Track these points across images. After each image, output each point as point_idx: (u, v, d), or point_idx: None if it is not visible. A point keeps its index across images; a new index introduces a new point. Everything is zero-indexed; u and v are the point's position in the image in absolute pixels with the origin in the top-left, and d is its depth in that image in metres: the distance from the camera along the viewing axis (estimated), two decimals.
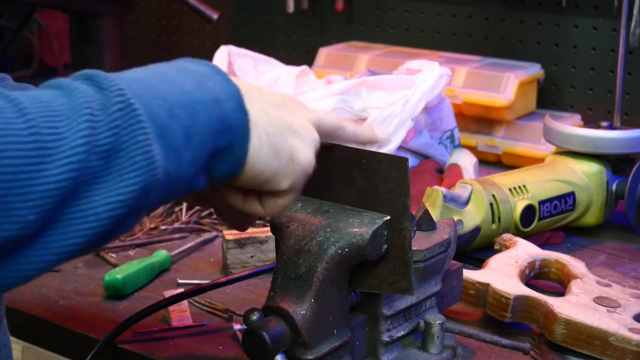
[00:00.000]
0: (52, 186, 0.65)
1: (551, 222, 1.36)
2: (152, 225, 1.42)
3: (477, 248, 1.30)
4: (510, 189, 1.32)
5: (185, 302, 1.15)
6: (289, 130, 0.83)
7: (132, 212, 0.70)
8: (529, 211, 1.32)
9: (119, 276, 1.20)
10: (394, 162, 0.87)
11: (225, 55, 1.65)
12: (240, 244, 1.26)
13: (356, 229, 0.87)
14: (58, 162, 0.65)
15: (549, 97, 1.81)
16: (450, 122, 1.64)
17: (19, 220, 0.64)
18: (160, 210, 1.44)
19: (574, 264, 1.18)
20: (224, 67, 1.63)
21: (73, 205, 0.67)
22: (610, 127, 1.41)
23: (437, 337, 0.97)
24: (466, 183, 1.31)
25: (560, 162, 1.40)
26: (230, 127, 0.77)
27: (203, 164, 0.76)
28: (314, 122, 0.87)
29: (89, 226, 0.68)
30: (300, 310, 0.86)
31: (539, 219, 1.33)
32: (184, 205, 1.44)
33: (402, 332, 0.96)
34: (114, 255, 1.34)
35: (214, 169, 0.78)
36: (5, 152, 0.63)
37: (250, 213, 0.86)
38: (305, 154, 0.83)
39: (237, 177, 0.80)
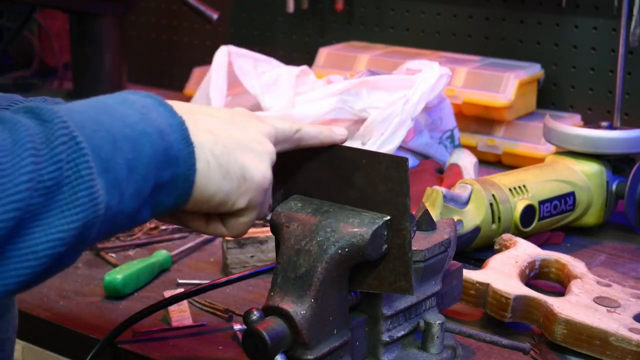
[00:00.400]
0: None
1: (551, 222, 1.36)
2: (152, 225, 1.42)
3: (477, 248, 1.30)
4: (510, 189, 1.32)
5: (185, 302, 1.15)
6: (238, 148, 0.81)
7: (72, 249, 0.68)
8: (529, 211, 1.32)
9: (119, 276, 1.20)
10: (394, 162, 0.87)
11: (225, 55, 1.65)
12: (240, 244, 1.26)
13: (356, 229, 0.87)
14: (1, 200, 0.63)
15: (549, 97, 1.81)
16: (450, 122, 1.64)
17: None
18: None
19: (574, 264, 1.18)
20: (223, 67, 1.63)
21: (12, 244, 0.64)
22: (610, 127, 1.41)
23: (437, 337, 0.97)
24: (466, 183, 1.31)
25: (560, 162, 1.40)
26: (174, 159, 0.76)
27: (147, 196, 0.75)
28: (268, 133, 0.85)
29: (27, 264, 0.65)
30: (300, 310, 0.86)
31: (539, 219, 1.33)
32: None
33: (402, 332, 0.96)
34: (114, 255, 1.34)
35: (159, 202, 0.76)
36: None
37: (215, 235, 0.85)
38: (258, 169, 0.82)
39: (185, 206, 0.78)
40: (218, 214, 0.84)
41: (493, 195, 1.30)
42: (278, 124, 0.87)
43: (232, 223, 0.84)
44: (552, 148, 1.59)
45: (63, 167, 0.67)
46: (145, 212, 0.76)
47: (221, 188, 0.79)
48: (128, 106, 0.75)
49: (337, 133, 0.92)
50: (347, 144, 0.93)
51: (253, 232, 1.28)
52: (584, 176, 1.38)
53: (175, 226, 1.41)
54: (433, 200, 1.25)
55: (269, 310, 0.87)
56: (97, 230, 0.70)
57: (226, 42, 1.73)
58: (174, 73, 2.31)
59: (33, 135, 0.67)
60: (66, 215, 0.67)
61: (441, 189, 1.26)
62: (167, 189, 0.76)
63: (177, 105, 0.80)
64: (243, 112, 0.87)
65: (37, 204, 0.65)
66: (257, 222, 1.39)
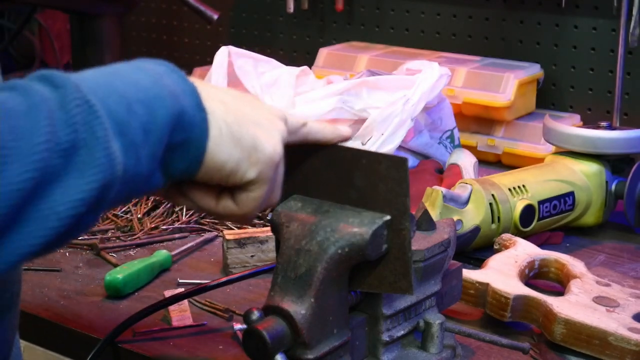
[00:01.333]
0: (14, 187, 0.64)
1: (551, 222, 1.36)
2: (153, 225, 1.42)
3: (477, 248, 1.30)
4: (510, 189, 1.32)
5: (185, 302, 1.16)
6: (249, 120, 0.81)
7: (92, 210, 0.69)
8: (528, 211, 1.32)
9: (119, 276, 1.20)
10: (394, 162, 0.87)
11: (225, 56, 1.65)
12: (240, 243, 1.27)
13: (356, 229, 0.88)
14: (19, 162, 0.64)
15: (548, 97, 1.81)
16: (450, 122, 1.64)
17: None
18: (160, 210, 1.44)
19: (574, 263, 1.18)
20: (224, 67, 1.63)
21: (34, 205, 0.65)
22: (610, 127, 1.41)
23: (437, 336, 0.97)
24: (466, 183, 1.31)
25: (560, 162, 1.40)
26: (188, 124, 0.76)
27: (160, 160, 0.75)
28: (279, 115, 0.86)
29: (50, 225, 0.66)
30: (300, 310, 0.86)
31: (539, 219, 1.34)
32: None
33: (402, 332, 0.97)
34: (114, 255, 1.34)
35: (172, 166, 0.77)
36: None
37: (226, 214, 0.85)
38: (269, 142, 0.82)
39: (197, 173, 0.79)
40: (228, 189, 0.83)
41: (493, 195, 1.30)
42: (287, 114, 0.88)
43: (242, 198, 0.83)
44: (552, 148, 1.59)
45: (78, 129, 0.68)
46: (158, 176, 0.77)
47: (232, 156, 0.79)
48: (141, 72, 0.76)
49: (341, 129, 0.93)
50: (347, 144, 0.93)
51: (253, 232, 1.28)
52: (583, 176, 1.38)
53: (175, 226, 1.41)
54: (433, 200, 1.25)
55: (269, 310, 0.87)
56: (115, 191, 0.71)
57: (226, 42, 1.73)
58: None
59: (47, 100, 0.68)
60: (85, 176, 0.68)
61: (441, 189, 1.26)
62: (180, 153, 0.77)
63: (192, 78, 0.81)
64: (254, 96, 0.89)
65: (56, 166, 0.66)
66: (257, 222, 1.40)
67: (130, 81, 0.74)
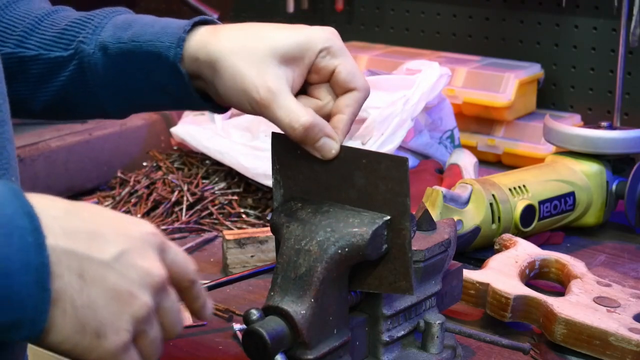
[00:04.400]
0: None
1: (551, 222, 1.36)
2: None
3: (477, 248, 1.30)
4: (510, 189, 1.32)
5: None
6: (108, 298, 0.68)
7: None
8: (529, 211, 1.32)
9: None
10: (394, 162, 0.87)
11: None
12: (240, 243, 1.26)
13: (356, 229, 0.88)
14: None
15: (549, 97, 1.81)
16: (450, 122, 1.64)
17: None
18: (160, 210, 1.44)
19: (574, 264, 1.18)
20: None
21: None
22: (610, 127, 1.41)
23: (437, 337, 0.97)
24: (466, 183, 1.31)
25: (560, 162, 1.40)
26: (18, 304, 0.64)
27: None
28: (151, 249, 0.71)
29: None
30: (300, 310, 0.86)
31: (539, 219, 1.33)
32: (184, 205, 1.44)
33: (402, 332, 0.96)
34: None
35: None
36: None
37: None
38: (118, 334, 0.68)
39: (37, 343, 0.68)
40: None
41: (493, 195, 1.30)
42: (178, 258, 0.74)
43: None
44: (552, 148, 1.59)
45: None
46: None
47: (69, 340, 0.68)
48: None
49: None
50: (347, 144, 0.93)
51: (253, 232, 1.28)
52: (583, 176, 1.38)
53: (175, 226, 1.41)
54: (433, 200, 1.25)
55: (269, 310, 0.87)
56: None
57: None
58: None
59: None
60: None
61: (441, 189, 1.26)
62: (6, 333, 0.66)
63: (50, 226, 0.66)
64: (150, 233, 0.73)
65: None
66: (256, 222, 1.40)
67: None
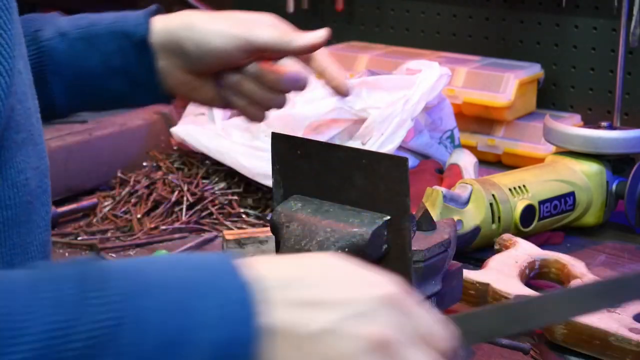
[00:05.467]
0: None
1: (551, 222, 1.36)
2: (152, 225, 1.42)
3: (477, 248, 1.30)
4: (510, 189, 1.32)
5: None
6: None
7: None
8: (529, 211, 1.32)
9: None
10: (394, 162, 0.87)
11: None
12: (240, 243, 1.26)
13: (356, 229, 0.87)
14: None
15: (549, 97, 1.81)
16: (450, 122, 1.64)
17: None
18: (160, 210, 1.44)
19: (574, 264, 1.18)
20: None
21: None
22: (610, 127, 1.41)
23: None
24: (466, 183, 1.31)
25: (560, 162, 1.40)
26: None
27: None
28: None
29: None
30: None
31: (539, 219, 1.33)
32: (184, 205, 1.44)
33: None
34: (114, 255, 1.34)
35: None
36: None
37: None
38: None
39: None
40: None
41: (493, 195, 1.30)
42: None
43: None
44: (552, 148, 1.59)
45: None
46: None
47: None
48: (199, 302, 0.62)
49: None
50: (347, 144, 0.93)
51: (253, 232, 1.28)
52: (583, 176, 1.38)
53: (175, 226, 1.41)
54: (433, 200, 1.25)
55: None
56: None
57: None
58: None
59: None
60: None
61: (441, 189, 1.26)
62: None
63: (260, 284, 0.65)
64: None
65: None
66: (256, 222, 1.40)
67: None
